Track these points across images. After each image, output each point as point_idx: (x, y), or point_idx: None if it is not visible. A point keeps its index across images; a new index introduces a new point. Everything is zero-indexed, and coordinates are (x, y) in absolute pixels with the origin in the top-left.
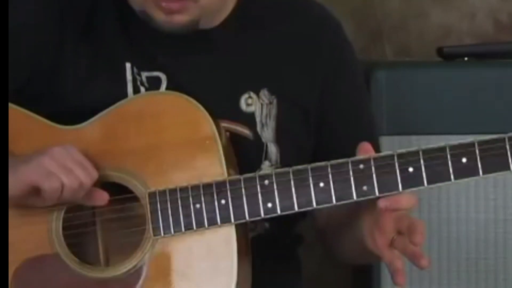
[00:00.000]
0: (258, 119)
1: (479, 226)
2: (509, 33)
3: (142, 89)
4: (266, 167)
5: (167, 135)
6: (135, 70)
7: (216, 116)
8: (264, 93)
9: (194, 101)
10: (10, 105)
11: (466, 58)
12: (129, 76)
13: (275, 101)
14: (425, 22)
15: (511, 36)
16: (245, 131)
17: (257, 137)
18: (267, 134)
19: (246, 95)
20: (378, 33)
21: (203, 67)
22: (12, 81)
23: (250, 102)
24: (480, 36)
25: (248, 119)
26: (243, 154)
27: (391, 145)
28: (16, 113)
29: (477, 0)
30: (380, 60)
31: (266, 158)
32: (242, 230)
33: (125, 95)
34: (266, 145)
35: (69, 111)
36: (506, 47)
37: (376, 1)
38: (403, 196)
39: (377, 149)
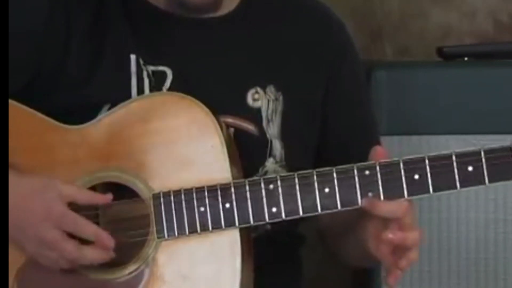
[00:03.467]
0: (264, 115)
1: (479, 226)
2: (509, 33)
3: (147, 81)
4: (270, 164)
5: (171, 136)
6: (140, 62)
7: (222, 110)
8: (270, 89)
9: (199, 103)
10: (15, 103)
11: (466, 58)
12: (133, 68)
13: (281, 97)
14: (425, 22)
15: (511, 36)
16: (250, 127)
17: (262, 133)
18: (273, 130)
19: (253, 90)
20: (378, 33)
21: (210, 61)
22: (15, 81)
23: (256, 97)
24: (480, 36)
25: (254, 115)
26: (248, 150)
27: (391, 145)
28: (20, 111)
29: (477, 0)
30: (380, 60)
31: (270, 155)
32: (245, 233)
33: (129, 87)
34: (271, 142)
35: (73, 104)
36: (506, 47)
37: (376, 1)
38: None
39: None
